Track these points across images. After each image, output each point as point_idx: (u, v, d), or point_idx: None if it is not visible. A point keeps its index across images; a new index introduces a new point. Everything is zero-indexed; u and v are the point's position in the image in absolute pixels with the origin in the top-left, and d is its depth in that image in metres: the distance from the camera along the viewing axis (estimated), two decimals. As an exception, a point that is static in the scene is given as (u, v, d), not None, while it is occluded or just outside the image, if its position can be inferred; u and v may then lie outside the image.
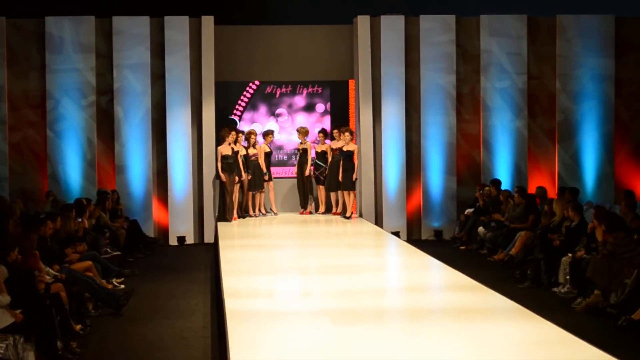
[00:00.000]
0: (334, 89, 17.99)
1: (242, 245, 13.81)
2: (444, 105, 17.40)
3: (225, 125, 16.90)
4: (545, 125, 17.69)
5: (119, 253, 13.60)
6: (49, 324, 8.28)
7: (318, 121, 17.88)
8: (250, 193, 16.89)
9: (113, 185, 16.82)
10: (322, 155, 17.05)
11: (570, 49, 17.54)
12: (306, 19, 17.95)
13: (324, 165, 16.99)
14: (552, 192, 16.36)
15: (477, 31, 17.52)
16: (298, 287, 10.26)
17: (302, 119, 17.84)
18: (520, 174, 17.39)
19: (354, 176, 16.52)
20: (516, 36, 17.47)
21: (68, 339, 8.73)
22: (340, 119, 17.76)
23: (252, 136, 16.87)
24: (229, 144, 16.24)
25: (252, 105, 17.82)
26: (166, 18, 17.11)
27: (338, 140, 16.71)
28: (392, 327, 8.18)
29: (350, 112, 17.94)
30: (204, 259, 15.02)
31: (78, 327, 9.37)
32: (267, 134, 17.14)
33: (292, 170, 17.77)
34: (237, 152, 16.42)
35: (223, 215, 16.38)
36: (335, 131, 16.93)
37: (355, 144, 16.77)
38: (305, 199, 17.41)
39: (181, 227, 17.03)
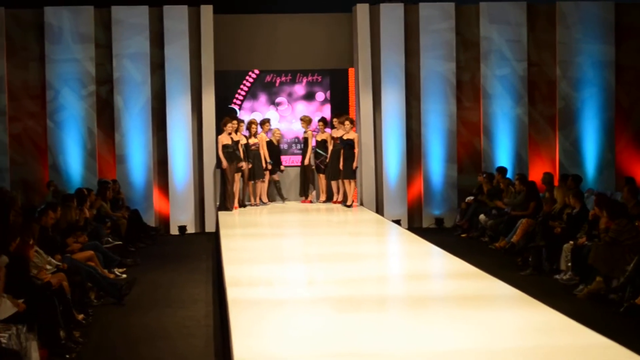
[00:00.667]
0: (334, 77, 17.96)
1: (243, 234, 13.80)
2: (444, 93, 17.38)
3: (225, 115, 16.87)
4: (545, 112, 17.67)
5: (120, 243, 13.61)
6: (52, 313, 8.29)
7: (318, 110, 17.86)
8: (251, 182, 16.87)
9: (114, 175, 16.81)
10: (322, 144, 17.03)
11: (570, 36, 17.51)
12: (306, 7, 17.88)
13: (324, 154, 16.97)
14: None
15: (477, 18, 17.49)
16: (300, 275, 10.25)
17: (302, 108, 17.82)
18: (521, 162, 17.38)
19: (354, 164, 16.50)
20: (516, 23, 17.44)
21: (71, 328, 8.74)
22: (340, 107, 17.73)
23: (253, 125, 16.84)
24: (229, 133, 16.20)
25: (252, 94, 17.80)
26: (165, 7, 17.07)
27: (338, 129, 16.67)
28: (394, 314, 8.16)
29: (350, 101, 17.92)
30: (205, 248, 15.02)
31: (80, 316, 9.39)
32: (264, 122, 17.08)
33: (293, 159, 17.77)
34: (238, 141, 16.39)
35: (224, 204, 16.37)
36: (335, 120, 16.89)
37: (356, 132, 16.74)
38: (306, 187, 17.40)
39: (182, 216, 17.03)
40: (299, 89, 17.88)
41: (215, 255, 13.57)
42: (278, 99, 17.86)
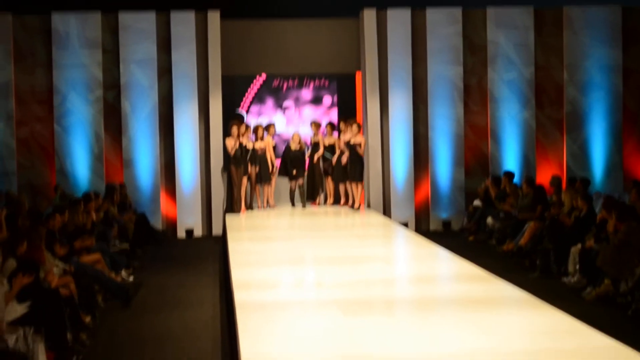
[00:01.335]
0: (341, 81, 17.97)
1: (250, 237, 13.78)
2: (451, 97, 17.37)
3: (232, 119, 16.88)
4: (553, 116, 17.64)
5: (127, 246, 13.61)
6: (59, 316, 8.28)
7: (325, 114, 17.87)
8: (257, 186, 16.87)
9: (121, 178, 16.83)
10: (329, 147, 17.02)
11: (577, 40, 17.49)
12: (313, 12, 17.89)
13: (331, 157, 16.97)
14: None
15: (484, 23, 17.48)
16: (307, 278, 10.23)
17: (309, 112, 17.82)
18: (528, 165, 17.36)
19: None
20: (523, 27, 17.43)
21: (78, 330, 8.74)
22: (347, 111, 17.74)
23: (260, 129, 16.82)
24: (236, 137, 16.20)
25: (259, 99, 17.82)
26: (172, 13, 17.11)
27: (345, 133, 16.63)
28: (402, 317, 8.14)
29: (357, 105, 17.93)
30: (212, 251, 15.02)
31: (87, 319, 9.39)
32: (269, 127, 17.03)
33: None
34: (245, 145, 16.38)
35: (231, 207, 16.37)
36: (342, 123, 16.85)
37: (363, 136, 16.73)
38: (314, 191, 17.37)
39: (189, 219, 17.05)
40: (306, 94, 17.90)
41: (222, 258, 13.57)
42: (285, 103, 17.87)
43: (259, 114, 17.79)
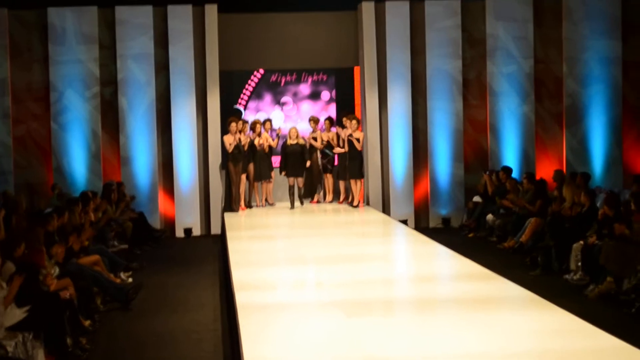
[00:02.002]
0: (339, 76, 17.87)
1: (249, 236, 13.74)
2: (450, 91, 17.28)
3: (230, 115, 16.78)
4: (552, 109, 17.57)
5: (126, 246, 13.53)
6: (58, 320, 8.22)
7: (323, 109, 17.77)
8: (256, 183, 16.78)
9: (118, 177, 16.72)
10: (328, 143, 16.92)
11: (576, 32, 17.39)
12: (310, 5, 17.76)
13: (330, 153, 16.88)
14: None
15: (483, 15, 17.38)
16: (308, 278, 10.19)
17: (307, 107, 17.73)
18: (528, 160, 17.29)
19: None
20: (522, 20, 17.33)
21: (77, 335, 8.67)
22: (346, 106, 17.63)
23: (257, 126, 16.70)
24: (234, 133, 16.10)
25: (257, 94, 17.72)
26: (169, 7, 16.99)
27: (348, 128, 16.42)
28: (403, 317, 8.12)
29: (355, 100, 17.83)
30: (212, 251, 14.96)
31: (87, 322, 9.32)
32: (265, 122, 16.89)
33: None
34: (242, 142, 16.26)
35: (229, 205, 16.29)
36: (344, 118, 16.67)
37: (362, 131, 16.63)
38: (312, 188, 17.27)
39: (188, 218, 16.96)
40: (304, 89, 17.80)
41: (222, 257, 13.50)
42: (283, 99, 17.78)
43: (257, 109, 17.68)
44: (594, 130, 17.39)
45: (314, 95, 17.80)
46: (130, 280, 11.95)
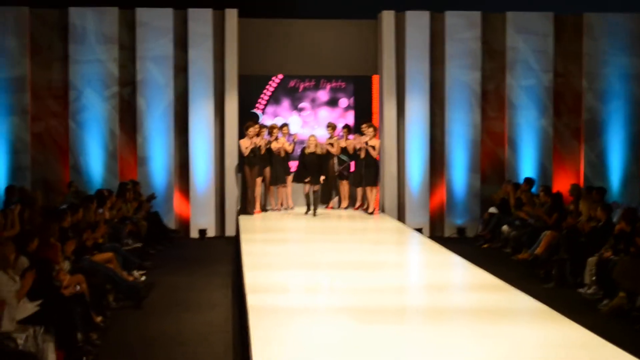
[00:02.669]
0: (358, 84, 17.85)
1: (263, 239, 13.73)
2: (469, 103, 17.25)
3: (247, 119, 16.80)
4: (571, 124, 17.51)
5: (140, 245, 13.55)
6: (70, 315, 8.23)
7: (341, 116, 17.75)
8: (272, 187, 16.78)
9: (135, 176, 16.75)
10: (345, 150, 16.91)
11: (597, 48, 17.34)
12: (331, 13, 17.79)
13: (347, 160, 16.86)
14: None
15: (503, 28, 17.35)
16: (320, 283, 10.14)
17: (325, 114, 17.72)
18: (545, 173, 17.22)
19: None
20: (542, 34, 17.29)
21: (88, 330, 8.68)
22: (364, 114, 17.60)
23: (275, 130, 16.72)
24: (251, 137, 16.11)
25: (274, 99, 17.72)
26: (190, 10, 17.03)
27: (366, 136, 16.25)
28: (415, 326, 8.08)
29: (373, 108, 17.81)
30: (225, 253, 14.95)
31: (99, 319, 9.33)
32: (282, 127, 16.87)
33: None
34: (260, 146, 16.28)
35: (245, 208, 16.29)
36: (363, 125, 16.56)
37: (378, 139, 16.60)
38: (328, 194, 17.24)
39: (202, 219, 16.97)
40: (323, 95, 17.79)
41: (235, 259, 13.50)
42: (301, 105, 17.77)
43: (275, 114, 17.69)
44: (612, 145, 17.32)
45: (332, 102, 17.79)
46: (143, 278, 11.96)
